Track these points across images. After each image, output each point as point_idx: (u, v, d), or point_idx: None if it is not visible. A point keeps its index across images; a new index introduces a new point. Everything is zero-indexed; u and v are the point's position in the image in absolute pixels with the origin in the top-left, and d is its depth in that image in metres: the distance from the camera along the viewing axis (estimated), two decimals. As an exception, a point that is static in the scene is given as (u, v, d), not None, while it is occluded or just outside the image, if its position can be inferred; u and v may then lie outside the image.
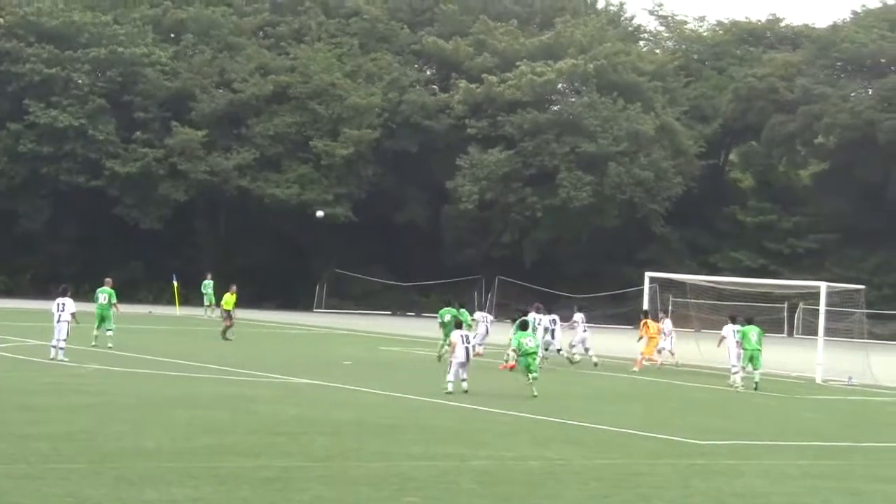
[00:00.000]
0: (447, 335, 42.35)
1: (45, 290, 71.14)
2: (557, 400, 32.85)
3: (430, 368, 39.68)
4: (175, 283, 70.93)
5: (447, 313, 44.20)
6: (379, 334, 57.01)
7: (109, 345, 41.05)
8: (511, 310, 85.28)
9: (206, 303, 67.12)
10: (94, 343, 41.34)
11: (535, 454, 22.15)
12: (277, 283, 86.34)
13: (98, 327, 42.25)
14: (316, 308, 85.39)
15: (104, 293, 43.06)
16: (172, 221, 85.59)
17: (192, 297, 74.19)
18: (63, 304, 37.04)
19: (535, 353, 34.00)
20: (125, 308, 53.07)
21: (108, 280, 44.37)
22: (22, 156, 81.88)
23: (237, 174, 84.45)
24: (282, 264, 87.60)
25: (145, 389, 29.43)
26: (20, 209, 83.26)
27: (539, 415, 28.25)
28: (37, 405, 25.36)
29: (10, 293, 77.68)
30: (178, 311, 69.29)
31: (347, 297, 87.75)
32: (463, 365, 32.71)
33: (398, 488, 17.70)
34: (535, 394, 32.58)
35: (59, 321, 36.66)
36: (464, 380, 32.68)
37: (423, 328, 44.16)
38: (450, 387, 32.27)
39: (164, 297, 77.21)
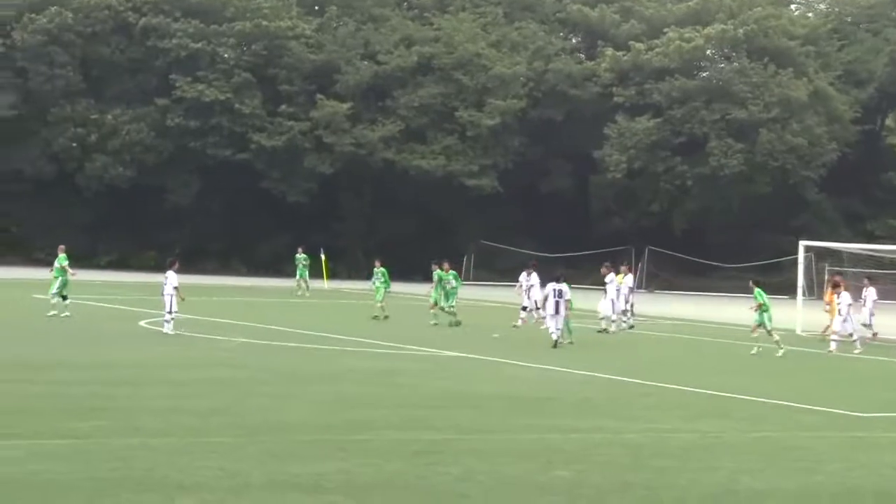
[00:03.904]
0: (378, 292, 46.94)
1: (191, 264, 72.13)
2: (708, 373, 32.40)
3: (580, 340, 39.39)
4: (323, 257, 71.03)
5: (379, 276, 48.20)
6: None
7: (52, 312, 41.13)
8: (660, 280, 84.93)
9: (298, 276, 65.15)
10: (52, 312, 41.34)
11: (687, 427, 21.81)
12: (423, 256, 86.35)
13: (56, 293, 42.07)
14: (462, 281, 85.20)
15: (59, 260, 42.93)
16: (318, 195, 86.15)
17: (339, 270, 74.62)
18: (167, 278, 37.46)
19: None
20: (275, 282, 53.46)
21: (61, 247, 44.06)
22: (169, 130, 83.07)
23: (382, 146, 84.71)
24: (427, 237, 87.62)
25: (289, 363, 29.63)
26: (168, 184, 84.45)
27: (690, 387, 27.86)
28: (181, 379, 25.61)
29: (159, 268, 78.59)
30: (326, 284, 69.67)
31: (494, 270, 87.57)
32: (553, 317, 37.19)
33: (549, 461, 17.52)
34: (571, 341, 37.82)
35: (163, 294, 37.12)
36: (553, 331, 36.93)
37: (575, 300, 43.76)
38: (553, 335, 36.88)
39: (313, 271, 77.81)
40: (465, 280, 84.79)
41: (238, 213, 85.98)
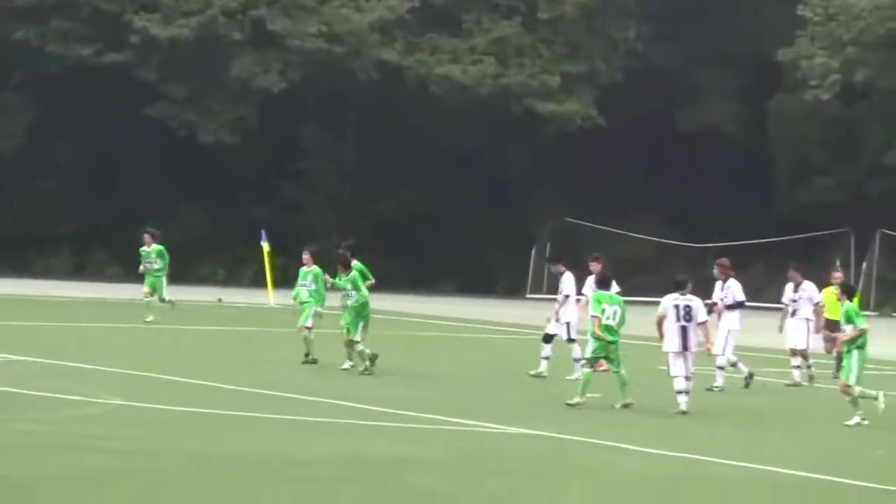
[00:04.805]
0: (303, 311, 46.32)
1: (19, 260, 72.41)
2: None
3: (730, 405, 39.70)
4: (265, 248, 70.84)
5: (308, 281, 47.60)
6: (652, 342, 56.44)
7: None
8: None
9: (147, 288, 60.06)
10: None
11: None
12: (454, 247, 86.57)
13: None
14: (531, 293, 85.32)
15: None
16: (259, 132, 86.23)
17: (292, 270, 74.69)
18: None
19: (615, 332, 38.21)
20: (177, 292, 53.39)
21: None
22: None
23: (379, 39, 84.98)
24: (461, 209, 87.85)
25: (210, 444, 29.94)
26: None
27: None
28: (15, 476, 25.13)
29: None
30: (270, 298, 69.65)
31: (588, 269, 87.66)
32: (680, 355, 37.37)
33: None
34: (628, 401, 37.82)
35: None
36: (683, 390, 37.29)
37: (751, 332, 43.50)
38: (682, 399, 37.19)
39: (247, 273, 77.86)
40: (535, 292, 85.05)
41: (107, 167, 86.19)
